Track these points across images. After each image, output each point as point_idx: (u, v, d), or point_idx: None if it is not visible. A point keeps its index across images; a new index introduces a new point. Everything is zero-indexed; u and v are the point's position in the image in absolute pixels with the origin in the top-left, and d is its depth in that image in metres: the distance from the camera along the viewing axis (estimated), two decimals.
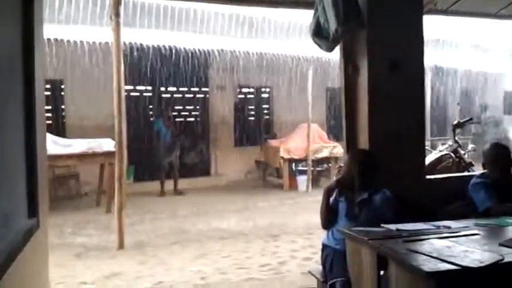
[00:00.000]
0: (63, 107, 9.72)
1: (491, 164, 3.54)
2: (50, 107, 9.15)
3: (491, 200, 3.36)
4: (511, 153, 3.57)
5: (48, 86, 8.60)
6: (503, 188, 3.40)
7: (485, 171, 3.62)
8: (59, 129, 9.30)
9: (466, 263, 2.14)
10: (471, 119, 7.69)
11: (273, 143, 10.90)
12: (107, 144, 7.78)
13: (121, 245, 5.77)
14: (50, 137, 6.95)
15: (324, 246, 3.39)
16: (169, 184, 9.78)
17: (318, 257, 4.58)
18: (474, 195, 3.49)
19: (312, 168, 10.20)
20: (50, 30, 6.80)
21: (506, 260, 2.20)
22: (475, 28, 10.71)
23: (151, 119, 10.77)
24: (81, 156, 7.82)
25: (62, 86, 9.60)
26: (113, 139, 6.51)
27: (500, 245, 2.43)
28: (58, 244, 5.84)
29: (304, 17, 5.70)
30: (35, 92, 2.96)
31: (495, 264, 2.16)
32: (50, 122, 8.92)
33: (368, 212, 3.23)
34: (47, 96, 7.25)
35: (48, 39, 7.13)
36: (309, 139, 10.06)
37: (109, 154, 7.45)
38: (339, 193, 3.33)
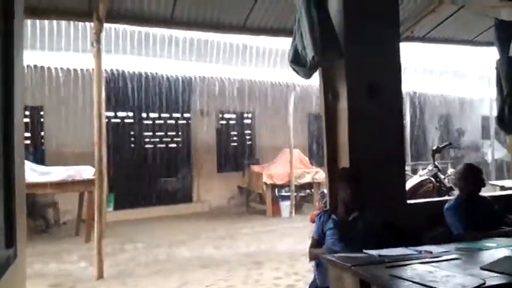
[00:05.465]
0: (42, 133, 9.61)
1: (463, 180, 3.80)
2: (29, 134, 9.03)
3: (463, 226, 3.58)
4: (481, 173, 3.89)
5: (27, 113, 8.49)
6: (473, 204, 3.71)
7: (457, 192, 3.85)
8: (38, 156, 9.15)
9: (448, 287, 2.15)
10: (450, 143, 7.81)
11: (256, 168, 10.87)
12: (87, 172, 7.66)
13: (100, 275, 5.64)
14: (28, 164, 6.82)
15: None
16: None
17: (302, 284, 4.56)
18: (448, 220, 3.71)
19: (295, 194, 10.20)
20: (30, 56, 6.78)
21: (488, 283, 2.21)
22: (452, 55, 11.00)
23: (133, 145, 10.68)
24: (61, 185, 7.65)
25: (42, 113, 9.51)
26: (93, 166, 6.42)
27: (482, 268, 2.44)
28: (36, 274, 5.68)
29: (285, 44, 5.78)
30: (13, 120, 2.91)
31: None
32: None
33: (363, 227, 3.22)
34: (26, 122, 7.16)
35: (28, 66, 7.11)
36: (291, 164, 10.06)
37: (89, 182, 7.32)
38: (326, 221, 3.31)
